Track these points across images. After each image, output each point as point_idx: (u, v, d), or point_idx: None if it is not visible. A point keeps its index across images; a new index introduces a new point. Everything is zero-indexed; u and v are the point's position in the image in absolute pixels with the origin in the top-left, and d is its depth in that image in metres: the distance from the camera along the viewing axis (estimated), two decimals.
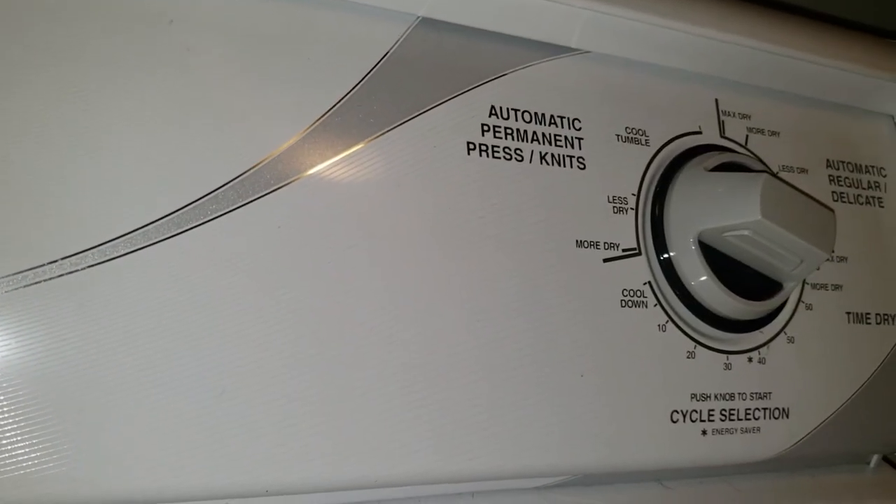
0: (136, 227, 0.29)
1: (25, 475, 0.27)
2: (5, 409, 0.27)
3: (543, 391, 0.34)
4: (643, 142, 0.39)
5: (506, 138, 0.36)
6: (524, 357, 0.34)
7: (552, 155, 0.37)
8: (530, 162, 0.37)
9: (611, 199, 0.38)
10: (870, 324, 0.44)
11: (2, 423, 0.27)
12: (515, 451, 0.34)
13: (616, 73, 0.40)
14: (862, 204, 0.46)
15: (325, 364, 0.31)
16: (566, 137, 0.38)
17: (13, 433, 0.27)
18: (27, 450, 0.27)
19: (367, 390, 0.31)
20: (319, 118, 0.33)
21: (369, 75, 0.34)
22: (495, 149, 0.36)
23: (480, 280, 0.34)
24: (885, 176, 0.47)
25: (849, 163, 0.46)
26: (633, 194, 0.38)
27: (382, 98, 0.34)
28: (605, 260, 0.37)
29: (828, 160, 0.45)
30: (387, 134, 0.34)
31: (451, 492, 0.35)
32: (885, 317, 0.44)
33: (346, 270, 0.32)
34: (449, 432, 0.33)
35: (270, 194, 0.31)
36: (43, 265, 0.28)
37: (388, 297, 0.32)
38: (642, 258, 0.38)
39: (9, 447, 0.27)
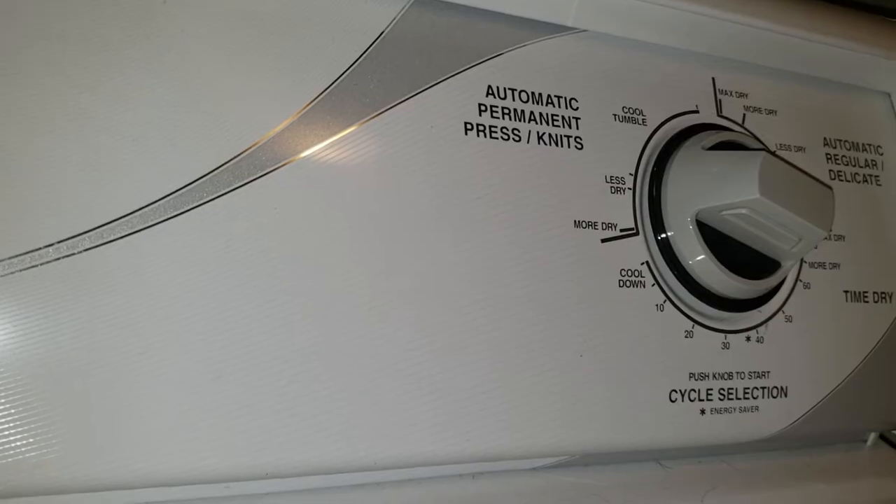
0: (132, 210, 0.29)
1: (22, 461, 0.27)
2: (1, 394, 0.27)
3: (543, 371, 0.34)
4: (640, 121, 0.39)
5: (503, 118, 0.36)
6: (523, 338, 0.34)
7: (550, 135, 0.37)
8: (528, 142, 0.36)
9: (608, 179, 0.38)
10: (867, 302, 0.44)
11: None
12: (515, 431, 0.34)
13: (613, 52, 0.40)
14: (859, 182, 0.46)
15: (323, 346, 0.31)
16: (564, 117, 0.37)
17: (9, 419, 0.27)
18: (23, 435, 0.27)
19: (365, 372, 0.31)
20: (315, 99, 0.33)
21: (364, 55, 0.34)
22: (493, 129, 0.36)
23: (479, 261, 0.34)
24: (881, 154, 0.47)
25: (846, 141, 0.46)
26: (631, 174, 0.38)
27: (378, 78, 0.34)
28: (604, 240, 0.37)
29: (825, 138, 0.45)
30: (383, 114, 0.34)
31: (451, 473, 0.35)
32: (883, 295, 0.44)
33: (343, 252, 0.32)
34: (448, 413, 0.33)
35: (266, 176, 0.31)
36: (39, 248, 0.28)
37: (386, 278, 0.32)
38: (640, 238, 0.38)
39: (5, 433, 0.27)
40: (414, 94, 0.34)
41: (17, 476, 0.27)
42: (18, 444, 0.27)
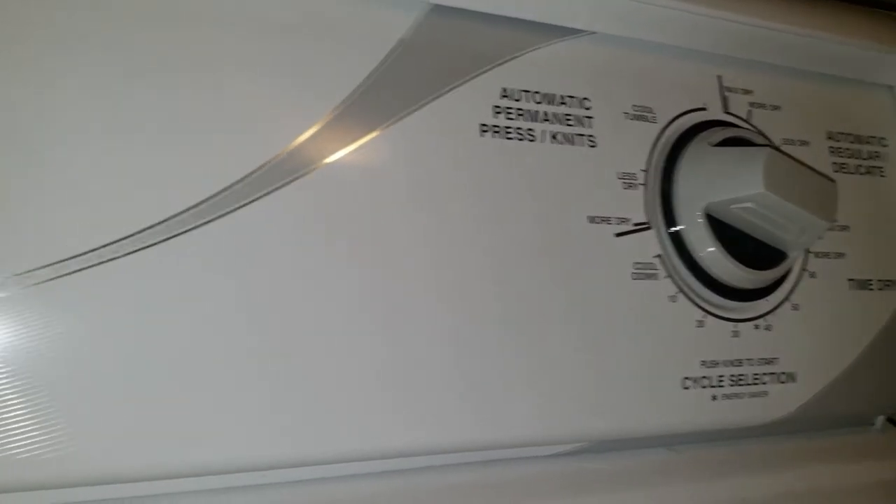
0: (157, 221, 0.30)
1: (33, 457, 0.28)
2: (17, 396, 0.28)
3: (560, 362, 0.36)
4: (650, 119, 0.40)
5: (517, 119, 0.37)
6: (541, 330, 0.36)
7: (563, 134, 0.38)
8: (542, 141, 0.38)
9: (621, 176, 0.39)
10: (871, 289, 0.45)
11: (14, 409, 0.28)
12: (531, 420, 0.35)
13: (623, 52, 0.41)
14: (863, 174, 0.47)
15: (357, 350, 0.32)
16: (576, 116, 0.39)
17: (23, 418, 0.28)
18: (34, 433, 0.28)
19: (402, 371, 0.33)
20: (337, 107, 0.34)
21: (383, 63, 0.35)
22: (507, 130, 0.37)
23: (496, 257, 0.35)
24: (885, 146, 0.48)
25: (849, 134, 0.47)
26: (643, 170, 0.40)
27: (396, 85, 0.35)
28: (617, 234, 0.38)
29: (828, 132, 0.46)
30: (402, 120, 0.35)
31: (474, 460, 0.37)
32: (886, 283, 0.46)
33: (365, 254, 0.33)
34: (473, 401, 0.34)
35: (290, 184, 0.32)
36: (64, 260, 0.29)
37: (408, 278, 0.34)
38: (652, 232, 0.39)
39: (19, 431, 0.28)
40: (431, 98, 0.36)
41: (29, 471, 0.28)
42: (30, 441, 0.28)
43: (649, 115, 0.41)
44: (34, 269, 0.28)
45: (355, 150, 0.34)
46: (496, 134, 0.37)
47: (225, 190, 0.31)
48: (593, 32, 0.40)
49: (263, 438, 0.31)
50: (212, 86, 0.32)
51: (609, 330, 0.37)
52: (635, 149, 0.40)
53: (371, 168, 0.34)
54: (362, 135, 0.34)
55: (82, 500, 0.30)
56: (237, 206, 0.31)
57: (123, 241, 0.29)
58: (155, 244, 0.30)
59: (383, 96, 0.35)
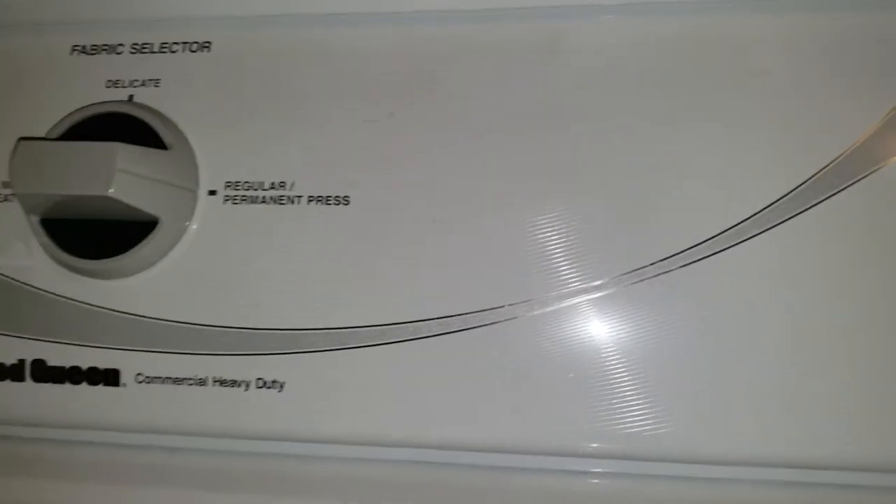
0: (734, 223, 0.33)
1: (637, 433, 0.32)
2: (626, 377, 0.32)
3: None
4: None
5: None
6: None
7: None
8: None
9: None
10: None
11: (625, 389, 0.32)
12: None
13: None
14: None
15: None
16: None
17: (631, 397, 0.32)
18: (639, 411, 0.32)
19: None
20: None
21: None
22: None
23: None
24: None
25: None
26: None
27: None
28: None
29: None
30: None
31: None
32: None
33: None
34: None
35: (857, 184, 0.32)
36: (652, 263, 0.33)
37: None
38: None
39: (627, 408, 0.32)
40: None
41: (633, 443, 0.32)
42: (637, 417, 0.32)
43: None
44: (632, 271, 0.33)
45: None
46: None
47: (793, 191, 0.33)
48: None
49: None
50: (770, 103, 0.34)
51: None
52: None
53: None
54: None
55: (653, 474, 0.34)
56: (805, 207, 0.32)
57: (700, 246, 0.33)
58: (730, 247, 0.33)
59: None
